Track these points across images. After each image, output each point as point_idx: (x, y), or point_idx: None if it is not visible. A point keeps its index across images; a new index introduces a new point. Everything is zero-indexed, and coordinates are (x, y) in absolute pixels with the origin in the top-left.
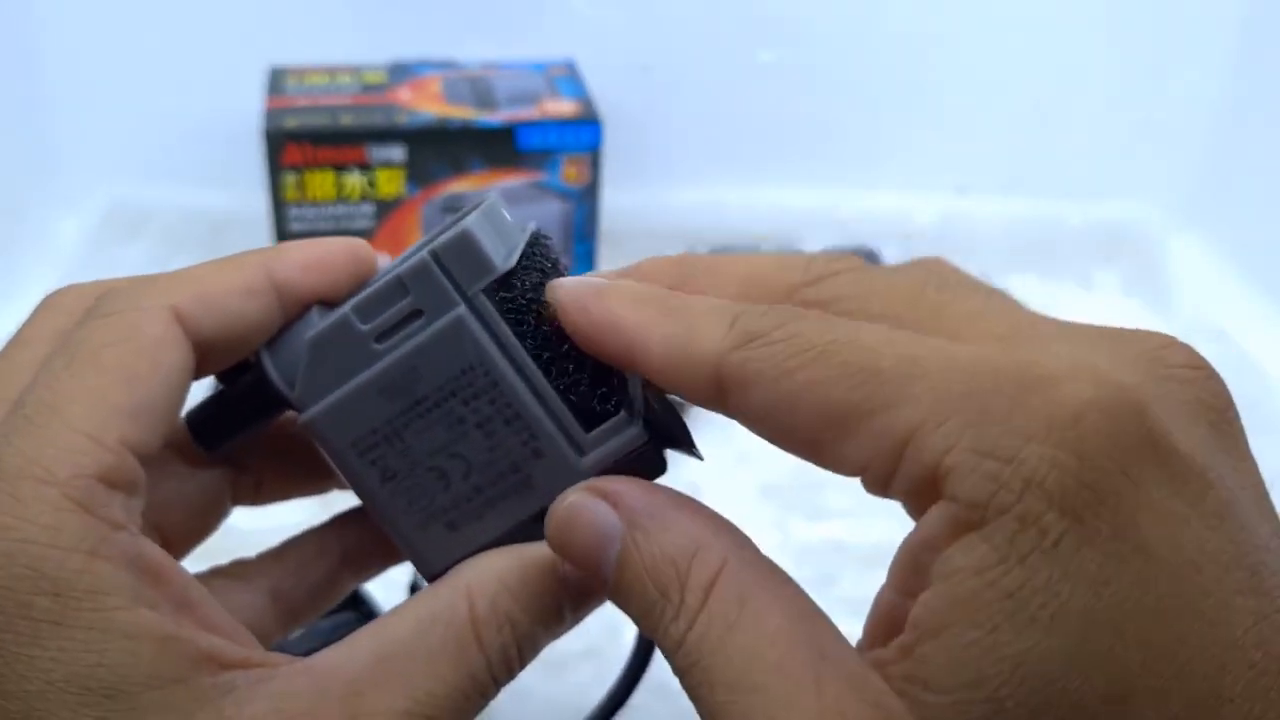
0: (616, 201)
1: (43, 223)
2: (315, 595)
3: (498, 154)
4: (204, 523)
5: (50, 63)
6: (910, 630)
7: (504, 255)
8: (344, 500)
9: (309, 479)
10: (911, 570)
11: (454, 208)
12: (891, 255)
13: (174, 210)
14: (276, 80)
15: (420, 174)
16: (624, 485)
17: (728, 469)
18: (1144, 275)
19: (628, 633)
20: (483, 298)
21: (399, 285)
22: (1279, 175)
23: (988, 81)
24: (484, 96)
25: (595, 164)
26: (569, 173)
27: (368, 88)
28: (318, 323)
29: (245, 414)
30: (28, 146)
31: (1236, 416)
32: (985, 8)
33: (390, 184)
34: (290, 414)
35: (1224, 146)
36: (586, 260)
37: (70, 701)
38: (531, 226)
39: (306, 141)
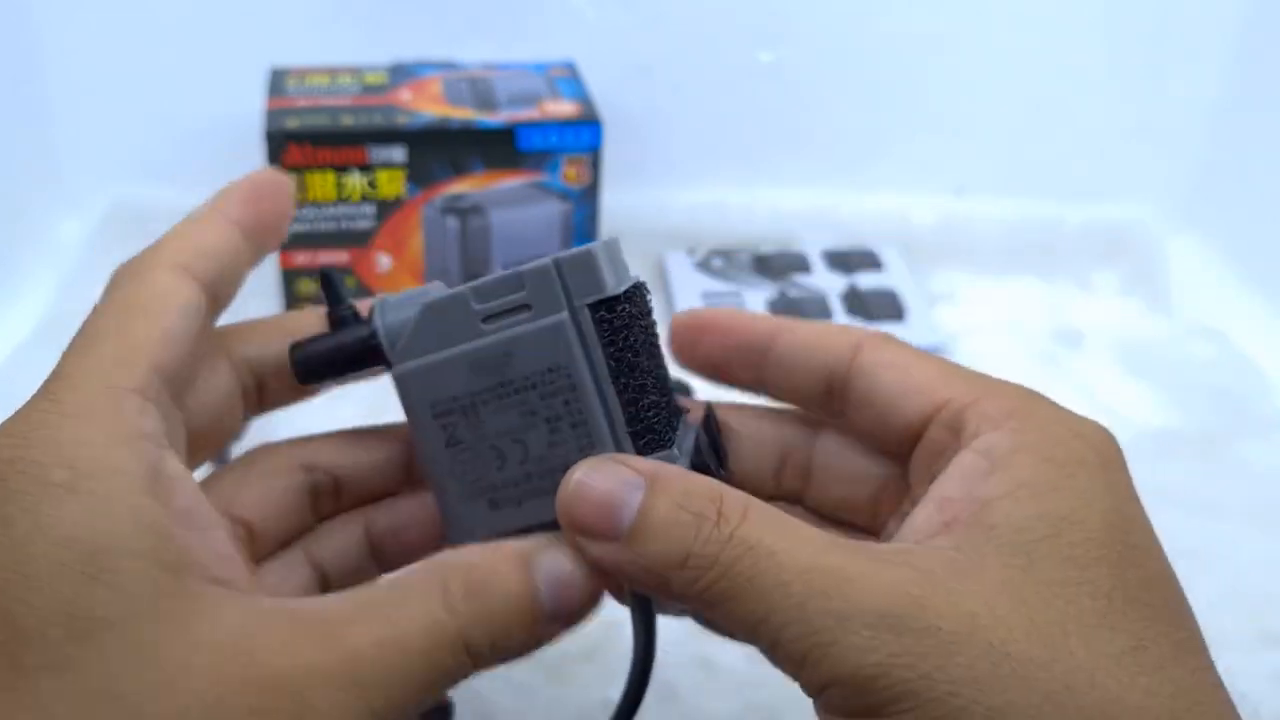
0: (617, 202)
1: (44, 224)
2: (351, 577)
3: (498, 154)
4: (221, 430)
5: (51, 63)
6: (971, 503)
7: (614, 283)
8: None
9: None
10: (962, 479)
11: (454, 208)
12: (891, 256)
13: (175, 211)
14: (277, 81)
15: (421, 175)
16: (630, 457)
17: None
18: (1143, 276)
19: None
20: (586, 312)
21: (518, 280)
22: (1277, 175)
23: (986, 83)
24: (484, 97)
25: (595, 164)
26: (569, 173)
27: (368, 88)
28: (438, 296)
29: (348, 363)
30: (28, 147)
31: None
32: (984, 9)
33: (391, 185)
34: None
35: (1222, 147)
36: None
37: (58, 554)
38: (637, 276)
39: (307, 142)
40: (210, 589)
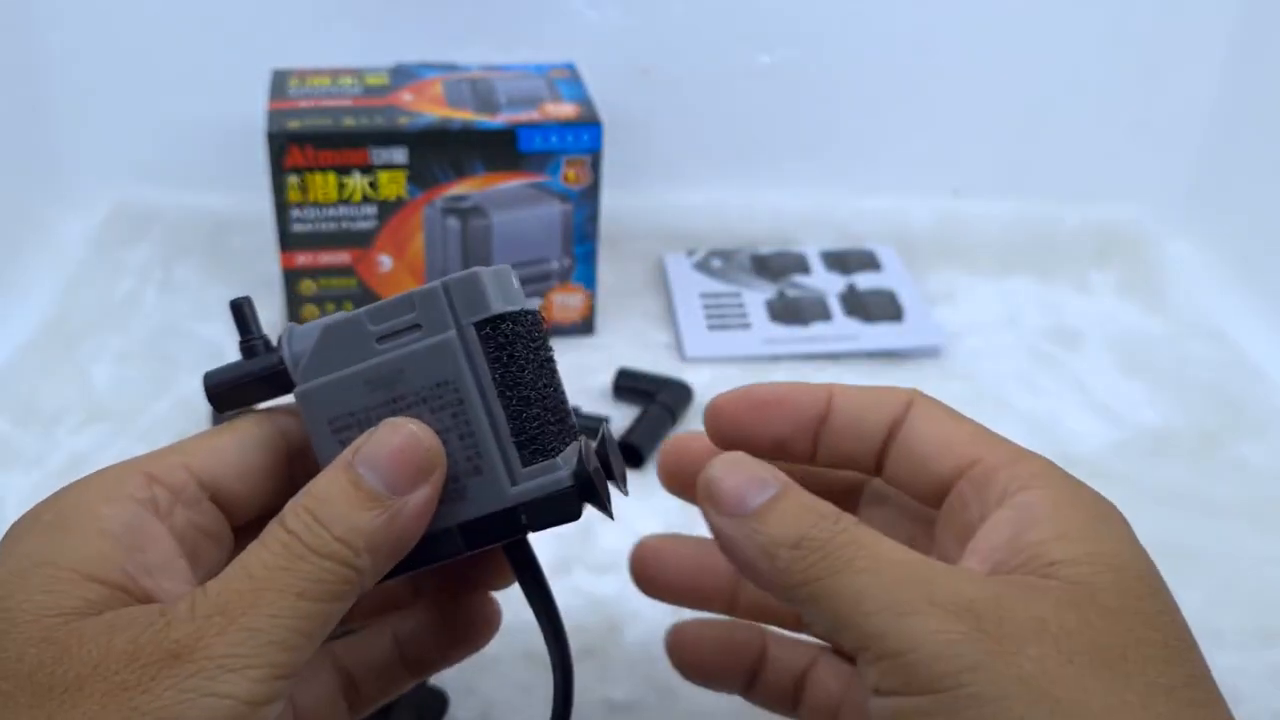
0: (616, 203)
1: (47, 224)
2: (380, 680)
3: (499, 156)
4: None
5: (54, 65)
6: (1020, 549)
7: (500, 304)
8: None
9: None
10: (1007, 530)
11: (455, 209)
12: (889, 256)
13: (178, 212)
14: (279, 82)
15: (422, 176)
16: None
17: None
18: (1140, 276)
19: (628, 631)
20: (472, 330)
21: (409, 302)
22: (1274, 176)
23: (984, 84)
24: (485, 99)
25: (595, 166)
26: (569, 174)
27: (370, 90)
28: (335, 317)
29: (258, 390)
30: (32, 148)
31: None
32: (982, 11)
33: (392, 186)
34: None
35: (1219, 148)
36: (587, 261)
37: (16, 565)
38: (535, 304)
39: (309, 143)
40: (133, 601)
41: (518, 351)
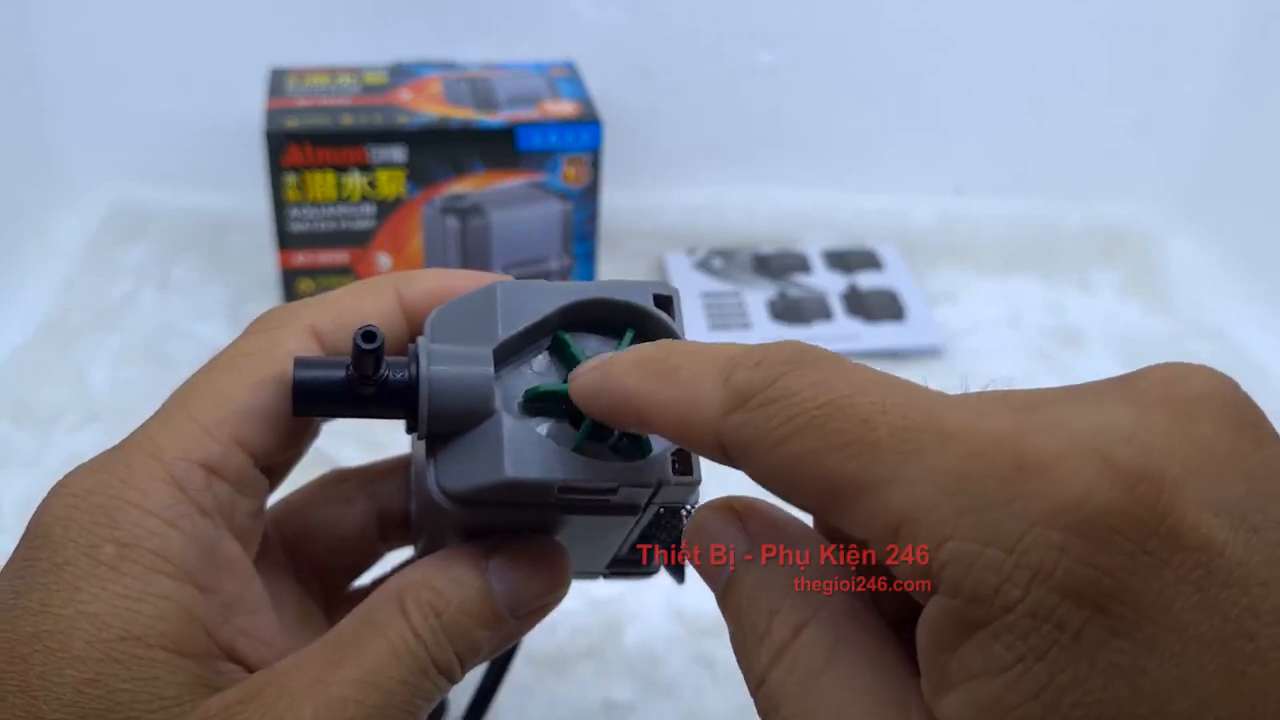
0: (616, 202)
1: (43, 224)
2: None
3: (498, 154)
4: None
5: (50, 63)
6: None
7: (696, 500)
8: None
9: None
10: (931, 665)
11: (454, 208)
12: (891, 255)
13: (175, 211)
14: (277, 81)
15: (421, 174)
16: (753, 507)
17: None
18: (1143, 276)
19: (628, 632)
20: (654, 508)
21: (613, 488)
22: (1277, 175)
23: (986, 82)
24: (484, 97)
25: (595, 164)
26: (569, 173)
27: (368, 88)
28: (520, 459)
29: (359, 410)
30: (28, 147)
31: (1269, 425)
32: (983, 9)
33: (391, 184)
34: None
35: (1222, 146)
36: (586, 260)
37: (89, 633)
38: None
39: (307, 142)
40: (225, 669)
41: (676, 526)
